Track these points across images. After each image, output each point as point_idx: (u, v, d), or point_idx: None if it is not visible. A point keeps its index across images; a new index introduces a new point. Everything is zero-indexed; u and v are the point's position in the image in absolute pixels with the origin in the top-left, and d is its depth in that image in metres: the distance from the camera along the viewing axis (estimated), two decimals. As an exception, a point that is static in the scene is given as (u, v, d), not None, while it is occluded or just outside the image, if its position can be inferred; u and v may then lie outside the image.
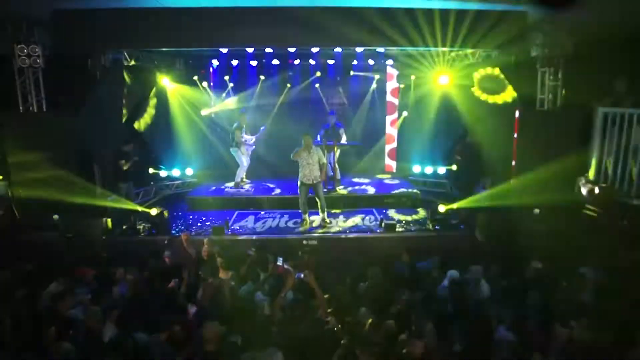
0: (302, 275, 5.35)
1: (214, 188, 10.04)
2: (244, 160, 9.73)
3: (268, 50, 9.99)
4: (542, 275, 6.08)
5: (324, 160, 8.00)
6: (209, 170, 11.35)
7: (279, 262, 6.13)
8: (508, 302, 5.44)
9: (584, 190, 6.59)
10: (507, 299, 5.61)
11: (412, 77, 10.72)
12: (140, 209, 7.78)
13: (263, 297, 5.69)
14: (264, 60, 10.40)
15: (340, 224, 8.20)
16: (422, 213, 8.60)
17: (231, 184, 9.91)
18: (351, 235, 7.63)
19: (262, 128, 10.08)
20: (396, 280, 6.03)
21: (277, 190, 9.80)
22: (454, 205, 7.82)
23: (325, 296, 5.29)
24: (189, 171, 11.12)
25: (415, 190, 9.64)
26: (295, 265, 6.70)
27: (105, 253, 7.12)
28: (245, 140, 9.57)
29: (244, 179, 10.21)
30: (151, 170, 10.18)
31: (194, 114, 10.97)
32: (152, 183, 10.46)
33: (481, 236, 7.27)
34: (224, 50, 9.96)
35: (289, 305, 5.24)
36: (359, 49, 10.04)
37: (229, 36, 7.89)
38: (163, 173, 10.68)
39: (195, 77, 10.72)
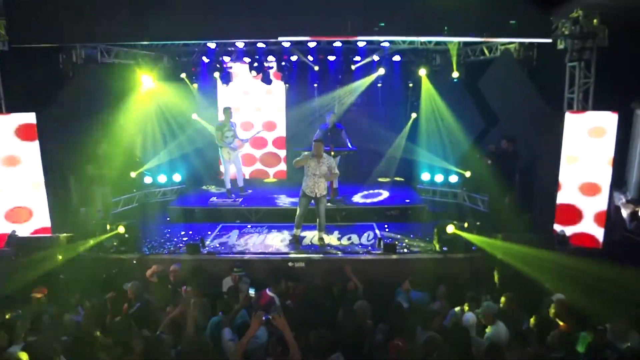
0: (270, 317, 4.41)
1: (195, 197, 9.22)
2: (228, 165, 8.75)
3: (260, 45, 9.07)
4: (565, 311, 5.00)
5: (337, 170, 6.99)
6: (199, 177, 10.52)
7: (252, 292, 5.19)
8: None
9: (624, 212, 5.43)
10: (524, 344, 4.59)
11: (422, 73, 9.60)
12: (104, 237, 6.86)
13: (232, 335, 4.78)
14: (256, 57, 9.43)
15: (334, 241, 7.19)
16: (428, 230, 7.50)
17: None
18: (344, 257, 6.61)
19: (256, 132, 9.03)
20: (392, 317, 5.04)
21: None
22: (467, 236, 6.66)
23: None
24: (177, 177, 10.26)
25: (421, 204, 8.55)
26: (278, 292, 5.77)
27: (62, 274, 6.30)
28: (229, 143, 8.57)
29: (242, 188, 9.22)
30: (133, 175, 9.33)
31: (182, 116, 10.13)
32: (134, 190, 9.64)
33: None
34: (212, 46, 9.10)
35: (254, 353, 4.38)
36: (361, 43, 9.04)
37: (214, 29, 6.96)
38: (148, 179, 9.85)
39: (183, 75, 9.85)
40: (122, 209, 9.25)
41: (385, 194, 9.12)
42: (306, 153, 6.74)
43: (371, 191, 9.25)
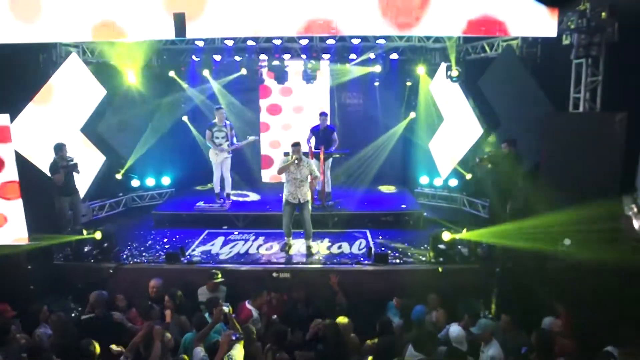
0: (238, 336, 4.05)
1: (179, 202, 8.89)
2: (215, 168, 8.33)
3: (250, 43, 8.68)
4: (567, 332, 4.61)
5: (317, 173, 6.65)
6: (191, 180, 10.16)
7: (225, 308, 4.78)
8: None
9: (636, 224, 4.97)
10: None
11: (421, 72, 9.15)
12: (75, 238, 6.50)
13: (204, 355, 4.40)
14: (246, 55, 9.04)
15: (323, 250, 6.78)
16: (424, 238, 7.05)
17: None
18: (332, 267, 6.18)
19: (251, 138, 8.54)
20: (381, 335, 4.65)
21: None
22: (463, 235, 6.25)
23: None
24: (166, 180, 9.91)
25: (418, 210, 8.09)
26: (257, 305, 5.39)
27: (32, 285, 5.94)
28: (218, 144, 8.14)
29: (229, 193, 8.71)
30: (118, 177, 8.97)
31: (171, 115, 9.78)
32: (120, 194, 9.29)
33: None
34: (200, 44, 8.72)
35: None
36: (355, 41, 8.62)
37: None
38: (135, 183, 9.50)
39: (172, 73, 9.48)
40: (107, 214, 8.94)
41: (381, 197, 8.46)
42: (287, 158, 6.37)
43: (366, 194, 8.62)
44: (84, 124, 8.12)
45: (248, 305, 5.27)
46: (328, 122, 8.43)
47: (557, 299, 5.43)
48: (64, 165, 6.76)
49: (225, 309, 4.74)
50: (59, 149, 6.77)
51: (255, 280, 6.00)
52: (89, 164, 8.26)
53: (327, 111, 8.96)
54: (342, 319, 4.55)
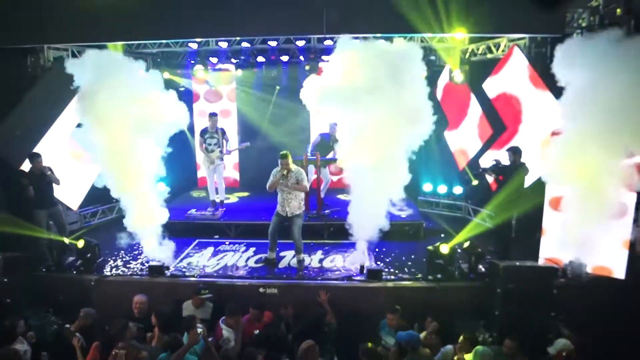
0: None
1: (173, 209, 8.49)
2: (208, 174, 8.04)
3: (245, 44, 8.38)
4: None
5: (306, 183, 6.18)
6: (186, 187, 9.91)
7: (199, 329, 4.46)
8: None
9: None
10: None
11: (423, 74, 8.70)
12: (55, 238, 6.30)
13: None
14: (242, 57, 8.74)
15: (315, 263, 6.41)
16: (424, 251, 6.62)
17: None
18: (322, 283, 5.80)
19: (241, 144, 8.24)
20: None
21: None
22: (460, 240, 5.87)
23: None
24: (161, 186, 9.63)
25: (419, 220, 7.66)
26: (230, 323, 5.01)
27: (9, 298, 5.69)
28: (210, 151, 7.86)
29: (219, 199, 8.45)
30: None
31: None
32: (114, 200, 9.03)
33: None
34: (194, 46, 8.45)
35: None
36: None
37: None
38: (129, 188, 9.25)
39: (167, 75, 9.21)
40: (100, 220, 8.72)
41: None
42: (275, 171, 6.02)
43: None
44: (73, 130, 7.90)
45: (221, 324, 4.94)
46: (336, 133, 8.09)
47: (564, 321, 5.03)
48: (32, 177, 6.43)
49: (199, 330, 4.43)
50: (32, 159, 6.46)
51: (241, 295, 5.66)
52: (81, 173, 8.05)
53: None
54: (307, 343, 4.19)
